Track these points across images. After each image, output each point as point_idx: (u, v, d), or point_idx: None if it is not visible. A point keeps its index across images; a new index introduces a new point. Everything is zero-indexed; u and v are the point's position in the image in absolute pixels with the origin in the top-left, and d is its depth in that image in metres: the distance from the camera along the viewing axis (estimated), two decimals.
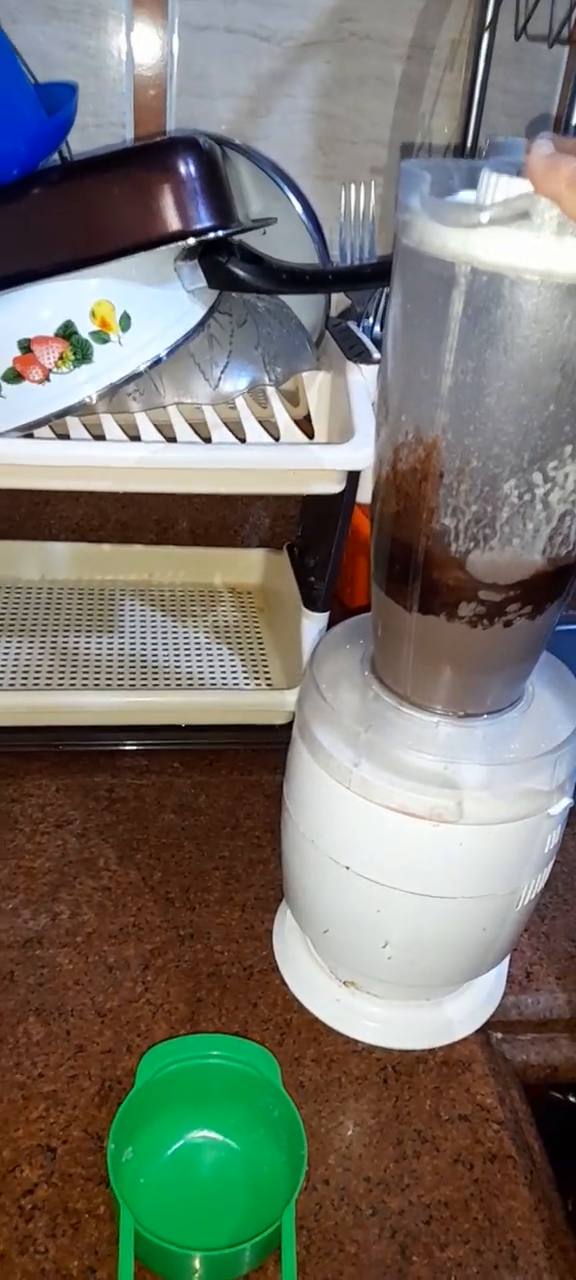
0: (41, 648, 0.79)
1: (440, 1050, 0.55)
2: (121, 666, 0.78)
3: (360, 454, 0.62)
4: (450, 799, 0.46)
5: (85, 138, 0.81)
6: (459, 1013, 0.56)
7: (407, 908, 0.49)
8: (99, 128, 0.82)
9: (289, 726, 0.55)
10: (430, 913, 0.50)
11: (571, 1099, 0.65)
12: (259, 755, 0.76)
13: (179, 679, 0.77)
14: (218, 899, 0.64)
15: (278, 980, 0.58)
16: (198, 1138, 0.50)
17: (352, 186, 0.73)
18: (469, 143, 0.77)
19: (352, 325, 0.74)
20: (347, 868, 0.50)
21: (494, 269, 0.37)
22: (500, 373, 0.38)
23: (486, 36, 0.74)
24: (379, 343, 0.72)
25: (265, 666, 0.80)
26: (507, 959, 0.60)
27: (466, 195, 0.42)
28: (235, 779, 0.74)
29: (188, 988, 0.57)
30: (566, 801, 0.49)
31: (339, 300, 0.82)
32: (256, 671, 0.79)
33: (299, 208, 0.71)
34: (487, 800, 0.47)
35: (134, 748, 0.75)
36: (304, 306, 0.73)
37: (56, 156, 0.70)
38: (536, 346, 0.38)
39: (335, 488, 0.66)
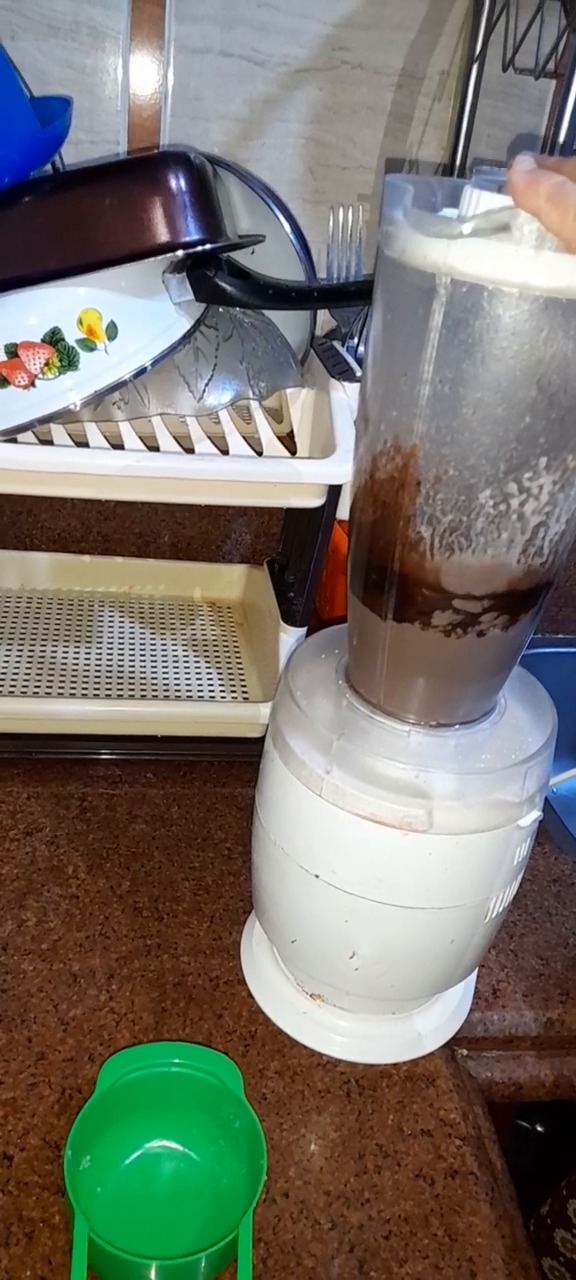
0: (19, 656, 0.80)
1: (404, 1065, 0.55)
2: (98, 676, 0.78)
3: (340, 469, 0.63)
4: (420, 808, 0.47)
5: (80, 153, 0.83)
6: (425, 1027, 0.56)
7: (376, 917, 0.50)
8: (93, 145, 0.84)
9: (264, 740, 0.55)
10: (398, 923, 0.50)
11: (539, 1128, 0.66)
12: (233, 768, 0.77)
13: (155, 690, 0.78)
14: (186, 910, 0.64)
15: (244, 992, 0.58)
16: (157, 1147, 0.50)
17: (341, 210, 0.75)
18: (455, 173, 0.80)
19: (337, 345, 0.76)
20: (317, 876, 0.50)
21: (473, 280, 0.38)
22: (477, 383, 0.39)
23: (475, 68, 0.77)
24: (363, 362, 0.74)
25: (242, 680, 0.81)
26: (475, 975, 0.61)
27: (448, 212, 0.43)
28: (208, 791, 0.74)
29: (153, 997, 0.57)
30: (535, 814, 0.50)
31: (325, 321, 0.83)
32: (233, 684, 0.80)
33: (288, 228, 0.73)
34: (458, 810, 0.47)
35: (108, 757, 0.75)
36: (289, 325, 0.75)
37: (49, 169, 0.72)
38: (513, 358, 0.39)
39: (315, 502, 0.67)
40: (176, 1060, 0.50)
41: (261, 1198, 0.48)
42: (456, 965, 0.53)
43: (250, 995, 0.58)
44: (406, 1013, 0.57)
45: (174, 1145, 0.50)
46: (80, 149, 0.83)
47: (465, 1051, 0.57)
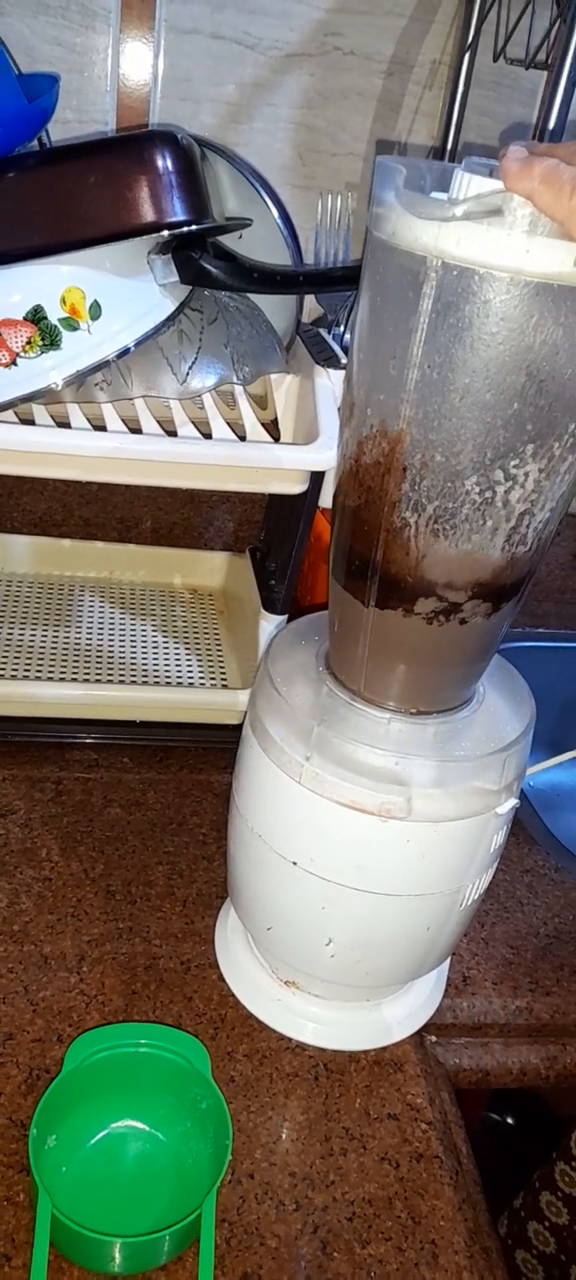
0: None
1: (373, 1050, 0.56)
2: (76, 661, 0.79)
3: (323, 455, 0.64)
4: (400, 795, 0.48)
5: (68, 132, 0.83)
6: (398, 1015, 0.57)
7: (352, 905, 0.50)
8: (81, 124, 0.84)
9: (241, 727, 0.55)
10: (375, 910, 0.51)
11: (509, 1120, 0.67)
12: (210, 754, 0.77)
13: (134, 675, 0.78)
14: (159, 894, 0.64)
15: (214, 976, 0.59)
16: (123, 1127, 0.50)
17: (329, 196, 0.76)
18: (446, 161, 0.81)
19: (323, 332, 0.76)
20: (294, 863, 0.51)
21: (464, 264, 0.38)
22: (466, 369, 0.40)
23: (467, 57, 0.78)
24: (349, 345, 0.74)
25: (221, 667, 0.81)
26: (447, 963, 0.61)
27: (437, 196, 0.43)
28: (184, 776, 0.75)
29: (123, 980, 0.58)
30: (513, 801, 0.51)
31: (312, 309, 0.84)
32: (212, 671, 0.81)
33: (275, 213, 0.73)
34: (437, 797, 0.48)
35: (84, 741, 0.76)
36: (275, 310, 0.75)
37: (36, 145, 0.72)
38: (503, 344, 0.39)
39: (298, 488, 0.67)
40: (143, 1041, 0.51)
41: (226, 1178, 0.48)
42: (431, 952, 0.54)
43: (221, 979, 0.59)
44: (380, 1000, 0.57)
45: (140, 1125, 0.50)
46: (68, 128, 0.83)
47: (434, 1038, 0.58)
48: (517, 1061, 0.60)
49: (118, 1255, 0.44)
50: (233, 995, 0.58)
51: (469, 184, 0.39)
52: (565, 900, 0.70)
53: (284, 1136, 0.51)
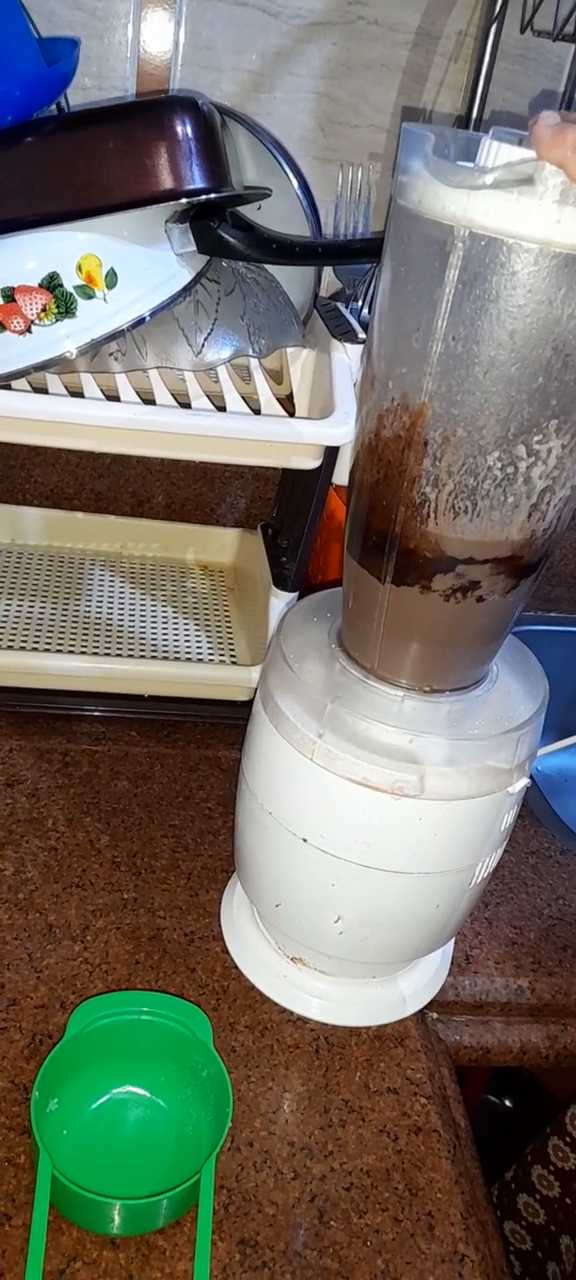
0: (6, 610, 0.81)
1: (374, 1025, 0.57)
2: (86, 634, 0.80)
3: (338, 430, 0.65)
4: (412, 773, 0.48)
5: (87, 99, 0.84)
6: (404, 991, 0.58)
7: (363, 882, 0.51)
8: (101, 90, 0.84)
9: (250, 704, 0.56)
10: (385, 887, 0.51)
11: (507, 1103, 0.68)
12: (217, 730, 0.78)
13: (144, 650, 0.79)
14: (164, 866, 0.65)
15: (218, 948, 0.60)
16: (124, 1093, 0.51)
17: (350, 168, 0.76)
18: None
19: (341, 306, 0.77)
20: (305, 840, 0.51)
21: (493, 234, 0.38)
22: (491, 341, 0.40)
23: (493, 29, 0.78)
24: (366, 325, 0.75)
25: (231, 643, 0.82)
26: (452, 942, 0.62)
27: (463, 164, 0.43)
28: (191, 751, 0.76)
29: (127, 949, 0.59)
30: (524, 781, 0.51)
31: (330, 283, 0.84)
32: (222, 647, 0.82)
33: (296, 185, 0.74)
34: (449, 775, 0.49)
35: (92, 714, 0.77)
36: (294, 283, 0.76)
37: (55, 109, 0.73)
38: (530, 317, 0.39)
39: (312, 463, 0.68)
40: (146, 1009, 0.52)
41: (226, 1146, 0.50)
42: (439, 930, 0.55)
43: (224, 952, 0.60)
44: (385, 977, 0.58)
45: (141, 1092, 0.52)
46: (88, 94, 0.84)
47: (435, 1015, 0.59)
48: (518, 1040, 0.61)
49: (116, 1217, 0.46)
50: (236, 967, 0.59)
51: (498, 152, 0.39)
52: (570, 882, 0.71)
53: (284, 1107, 0.52)
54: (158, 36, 0.82)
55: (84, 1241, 0.45)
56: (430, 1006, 0.59)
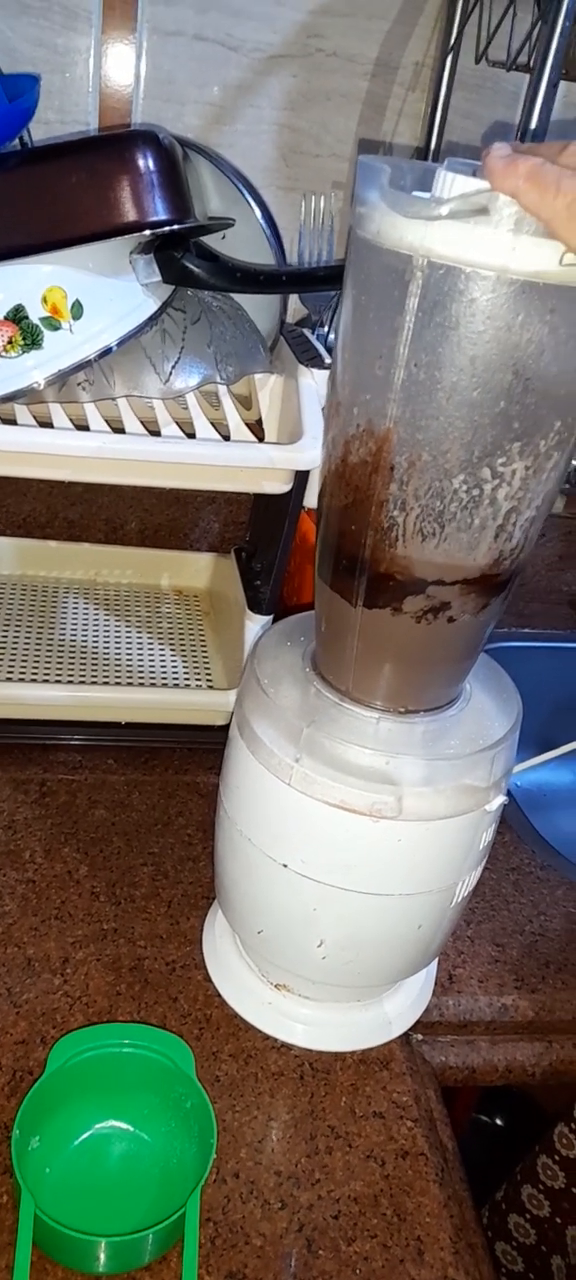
0: None
1: (359, 1049, 0.56)
2: (61, 662, 0.79)
3: (307, 455, 0.65)
4: (390, 794, 0.48)
5: (49, 133, 0.84)
6: (388, 1015, 0.58)
7: (344, 905, 0.51)
8: (63, 124, 0.84)
9: (227, 728, 0.56)
10: (367, 910, 0.51)
11: (498, 1122, 0.68)
12: (195, 755, 0.78)
13: (119, 677, 0.79)
14: (144, 895, 0.65)
15: (200, 976, 0.59)
16: (107, 1128, 0.50)
17: (313, 197, 0.77)
18: (428, 162, 0.82)
19: (307, 332, 0.77)
20: (285, 865, 0.51)
21: (451, 263, 0.38)
22: (453, 367, 0.40)
23: (449, 60, 0.79)
24: (334, 345, 0.75)
25: (207, 668, 0.82)
26: (436, 963, 0.62)
27: (420, 195, 0.43)
28: (170, 777, 0.75)
29: (108, 981, 0.58)
30: (501, 798, 0.51)
31: (296, 309, 0.85)
32: (198, 672, 0.81)
33: (259, 214, 0.74)
34: (427, 796, 0.48)
35: (68, 743, 0.76)
36: (259, 311, 0.76)
37: (17, 145, 0.73)
38: (489, 343, 0.39)
39: (282, 488, 0.68)
40: (127, 1041, 0.51)
41: (211, 1178, 0.49)
42: (423, 951, 0.55)
43: (206, 980, 0.59)
44: (370, 1000, 0.58)
45: (124, 1126, 0.51)
46: (50, 129, 0.84)
47: (420, 1036, 0.59)
48: (504, 1059, 0.61)
49: (101, 1254, 0.45)
50: (218, 995, 0.58)
51: (452, 183, 0.39)
52: (551, 898, 0.71)
53: (269, 1135, 0.51)
54: (119, 70, 0.82)
55: None
56: (414, 1028, 0.58)
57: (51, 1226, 0.44)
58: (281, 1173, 0.49)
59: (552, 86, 0.65)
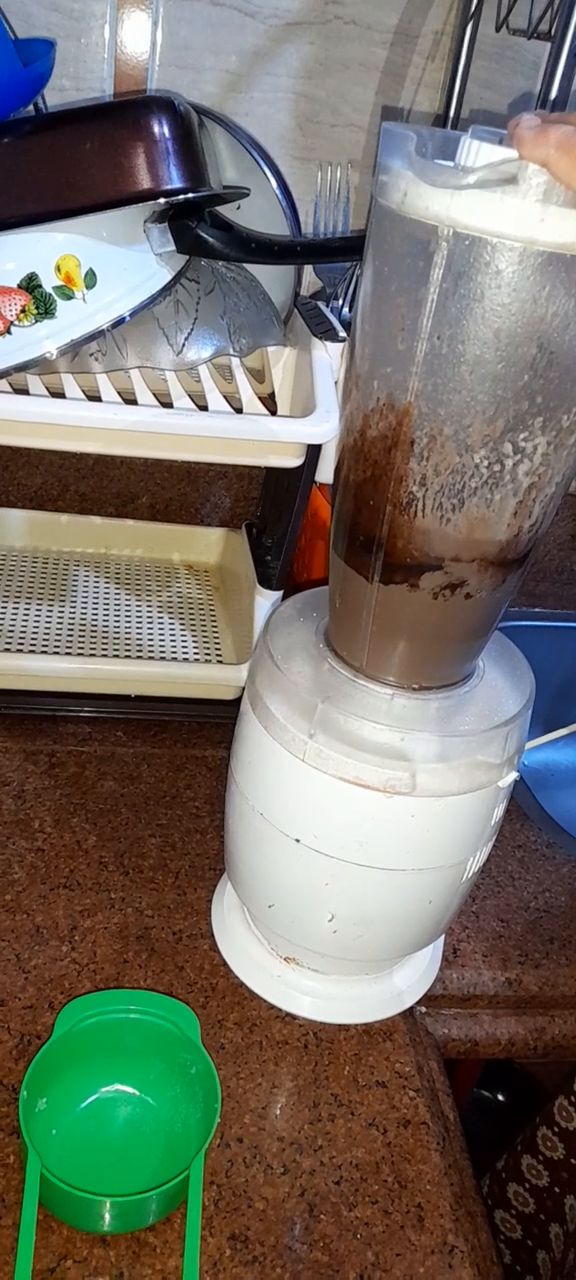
0: None
1: (366, 1022, 0.57)
2: (71, 635, 0.80)
3: (319, 429, 0.65)
4: (404, 771, 0.48)
5: (64, 100, 0.84)
6: (397, 987, 0.59)
7: (356, 880, 0.51)
8: (79, 91, 0.85)
9: (236, 702, 0.56)
10: (378, 885, 0.52)
11: (500, 1097, 0.69)
12: (204, 729, 0.79)
13: (128, 650, 0.80)
14: (152, 866, 0.66)
15: (206, 946, 0.60)
16: (113, 1091, 0.52)
17: (329, 167, 0.77)
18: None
19: (321, 305, 0.77)
20: (297, 840, 0.52)
21: (476, 233, 0.38)
22: (477, 340, 0.40)
23: (469, 28, 0.78)
24: (347, 324, 0.75)
25: (216, 642, 0.83)
26: (443, 937, 0.63)
27: (443, 163, 0.43)
28: (178, 751, 0.76)
29: (115, 949, 0.59)
30: (514, 775, 0.52)
31: (311, 283, 0.85)
32: (207, 646, 0.82)
33: (274, 184, 0.74)
34: (441, 772, 0.49)
35: (78, 715, 0.77)
36: (273, 282, 0.76)
37: (32, 111, 0.73)
38: (515, 315, 0.39)
39: (294, 462, 0.68)
40: (133, 1007, 0.52)
41: (216, 1142, 0.50)
42: (432, 926, 0.56)
43: (212, 949, 0.60)
44: (378, 973, 0.59)
45: (130, 1090, 0.52)
46: (65, 95, 0.84)
47: (424, 1009, 0.60)
48: (506, 1032, 0.62)
49: (106, 1214, 0.46)
50: (224, 964, 0.59)
51: (479, 151, 0.39)
52: (556, 875, 0.72)
53: (273, 1102, 0.52)
54: (135, 37, 0.82)
55: (74, 1240, 0.46)
56: (418, 1000, 0.59)
57: (57, 1186, 0.45)
58: (284, 1139, 0.51)
59: (574, 55, 0.65)
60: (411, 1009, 0.59)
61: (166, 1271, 0.45)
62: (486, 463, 0.43)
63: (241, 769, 0.55)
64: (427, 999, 0.60)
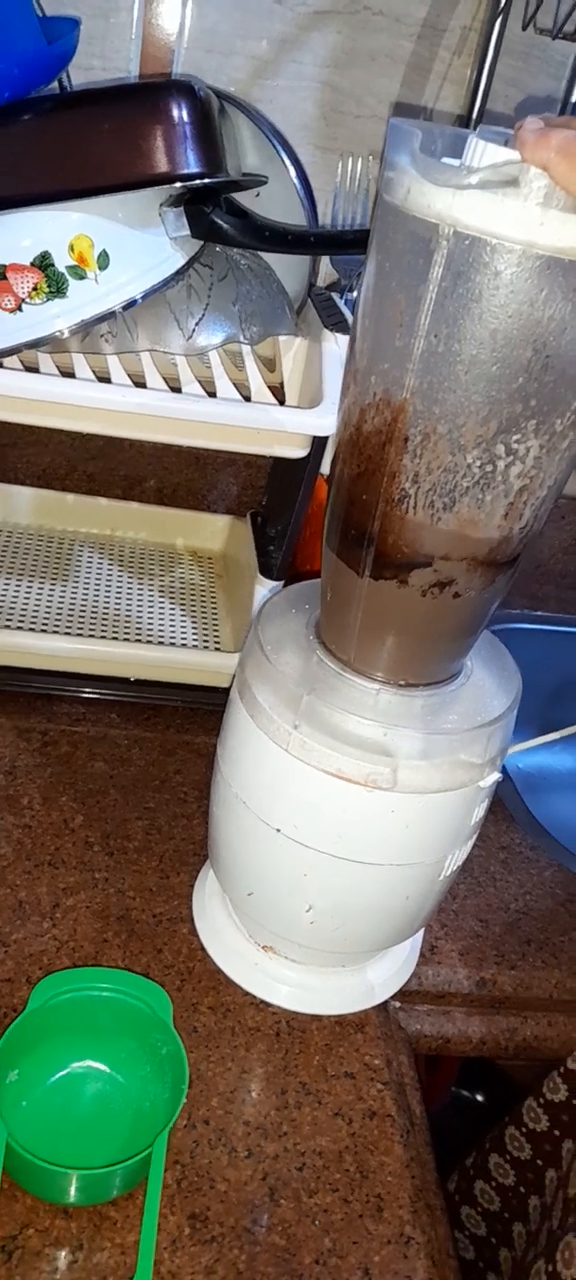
0: None
1: (341, 1013, 0.58)
2: (72, 616, 0.82)
3: (325, 420, 0.66)
4: (386, 766, 0.49)
5: (90, 79, 0.86)
6: (372, 981, 0.60)
7: (335, 873, 0.52)
8: (105, 71, 0.86)
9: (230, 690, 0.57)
10: (357, 878, 0.53)
11: (478, 1097, 0.70)
12: (197, 716, 0.80)
13: (128, 633, 0.81)
14: (136, 848, 0.67)
15: (185, 930, 0.62)
16: (83, 1067, 0.53)
17: (350, 159, 0.78)
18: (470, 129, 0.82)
19: (335, 296, 0.78)
20: (278, 830, 0.53)
21: (477, 234, 0.39)
22: (473, 340, 0.41)
23: (497, 25, 0.79)
24: (354, 311, 0.76)
25: (216, 630, 0.84)
26: (421, 934, 0.64)
27: (449, 162, 0.44)
28: (170, 736, 0.78)
29: (95, 928, 0.61)
30: (496, 775, 0.53)
31: (327, 274, 0.86)
32: (207, 634, 0.83)
33: (293, 173, 0.75)
34: (422, 769, 0.50)
35: (73, 695, 0.79)
36: (288, 272, 0.77)
37: (56, 88, 0.75)
38: (512, 317, 0.40)
39: (299, 453, 0.70)
40: (107, 985, 0.54)
41: (182, 1123, 0.51)
42: (409, 921, 0.56)
43: (191, 934, 0.61)
44: (354, 966, 0.60)
45: (100, 1067, 0.53)
46: (91, 74, 0.85)
47: (397, 1004, 0.61)
48: (478, 1031, 0.63)
49: (70, 1186, 0.47)
50: (202, 949, 0.60)
51: (483, 152, 0.40)
52: (538, 878, 0.73)
53: (241, 1087, 0.53)
54: (164, 18, 0.84)
55: (37, 1210, 0.47)
56: (393, 995, 0.60)
57: (23, 1156, 0.46)
58: (250, 1123, 0.52)
59: None
60: (385, 1003, 0.60)
61: (125, 1246, 0.46)
62: (478, 463, 0.44)
63: (227, 756, 0.56)
64: (402, 994, 0.61)
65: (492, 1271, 0.65)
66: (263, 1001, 0.58)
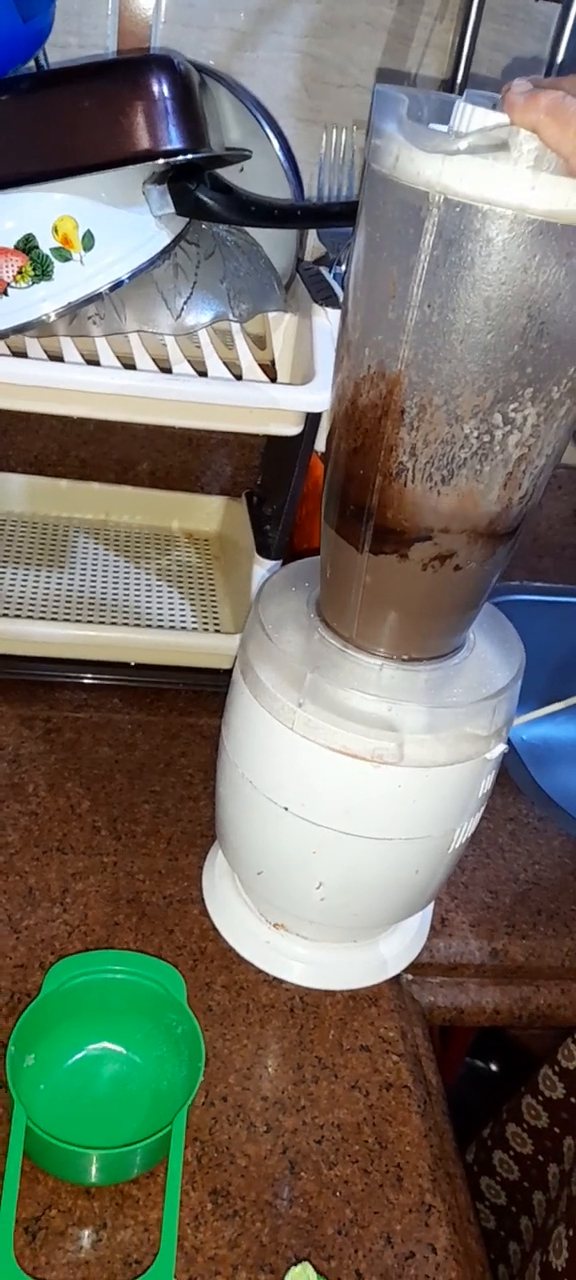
0: None
1: (354, 988, 0.59)
2: (69, 602, 0.82)
3: (318, 396, 0.66)
4: (392, 741, 0.50)
5: (66, 56, 0.85)
6: (384, 955, 0.60)
7: (344, 849, 0.53)
8: (82, 48, 0.85)
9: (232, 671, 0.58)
10: (366, 854, 0.53)
11: (492, 1067, 0.71)
12: (200, 698, 0.80)
13: (127, 618, 0.81)
14: (144, 831, 0.68)
15: (196, 910, 0.62)
16: (100, 1049, 0.54)
17: (335, 130, 0.77)
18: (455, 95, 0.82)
19: (324, 270, 0.78)
20: (286, 809, 0.53)
21: (467, 200, 0.38)
22: (467, 309, 0.41)
23: None
24: (344, 283, 0.76)
25: (215, 611, 0.84)
26: (431, 906, 0.65)
27: (437, 128, 0.43)
28: (174, 719, 0.78)
29: (106, 911, 0.61)
30: (502, 747, 0.53)
31: (314, 248, 0.85)
32: (206, 616, 0.83)
33: (277, 146, 0.74)
34: (428, 743, 0.50)
35: (75, 681, 0.79)
36: (275, 247, 0.77)
37: (33, 67, 0.74)
38: (505, 284, 0.40)
39: (293, 430, 0.69)
40: (121, 967, 0.54)
41: (200, 1101, 0.52)
42: (419, 895, 0.57)
43: (202, 914, 0.62)
44: (366, 940, 0.60)
45: (117, 1048, 0.54)
46: (67, 52, 0.84)
47: (410, 976, 0.61)
48: (491, 1001, 0.64)
49: (91, 1167, 0.48)
50: (213, 929, 0.61)
51: (471, 116, 0.39)
52: (547, 848, 0.73)
53: (257, 1063, 0.54)
54: None
55: (60, 1191, 0.48)
56: (405, 968, 0.61)
57: (43, 1138, 0.47)
58: (268, 1099, 0.52)
59: None
60: (398, 976, 0.60)
61: (148, 1223, 0.47)
62: (476, 433, 0.44)
63: (232, 737, 0.57)
64: (414, 967, 0.61)
65: (514, 1240, 0.66)
66: (276, 979, 0.58)
